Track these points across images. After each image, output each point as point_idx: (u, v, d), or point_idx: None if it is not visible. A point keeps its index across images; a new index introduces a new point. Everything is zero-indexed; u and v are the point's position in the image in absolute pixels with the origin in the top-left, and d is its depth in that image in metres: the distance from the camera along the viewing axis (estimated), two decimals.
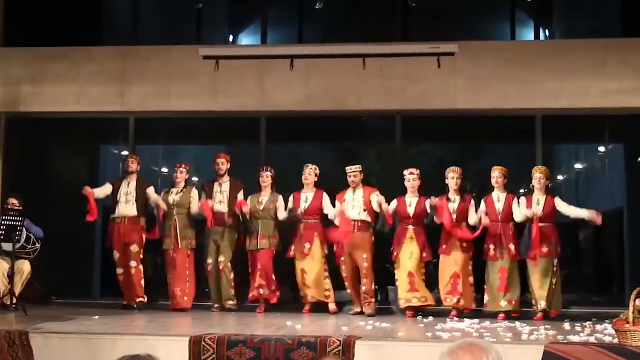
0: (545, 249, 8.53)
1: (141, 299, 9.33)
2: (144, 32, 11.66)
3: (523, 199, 8.78)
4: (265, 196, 9.29)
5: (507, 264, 8.64)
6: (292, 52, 10.33)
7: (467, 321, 8.00)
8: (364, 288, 8.90)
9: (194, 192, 9.44)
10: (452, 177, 8.86)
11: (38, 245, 9.22)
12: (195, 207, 9.38)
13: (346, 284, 9.08)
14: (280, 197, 9.29)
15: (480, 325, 7.61)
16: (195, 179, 9.89)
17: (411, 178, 8.95)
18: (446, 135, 11.51)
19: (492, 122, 11.10)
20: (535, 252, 8.49)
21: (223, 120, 11.26)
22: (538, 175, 8.74)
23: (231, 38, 12.18)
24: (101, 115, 11.06)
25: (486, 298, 8.76)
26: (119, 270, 9.40)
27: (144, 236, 9.44)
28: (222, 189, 9.41)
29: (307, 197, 9.21)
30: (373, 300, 8.95)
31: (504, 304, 8.60)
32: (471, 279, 8.78)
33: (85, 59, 10.98)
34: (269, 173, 9.34)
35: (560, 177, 11.86)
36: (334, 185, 9.41)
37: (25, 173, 11.11)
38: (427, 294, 8.78)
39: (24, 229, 8.84)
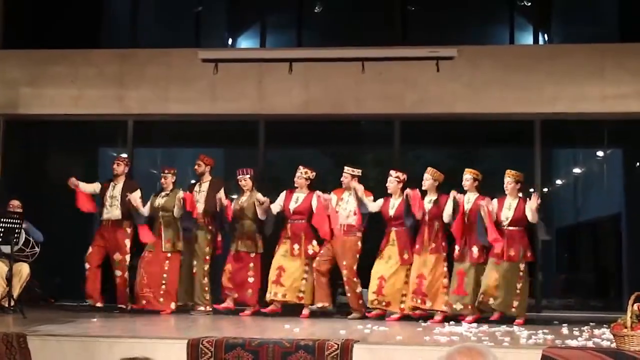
0: (511, 252, 8.52)
1: (122, 306, 9.31)
2: (143, 35, 11.67)
3: (494, 201, 8.76)
4: (244, 197, 9.31)
5: (466, 267, 8.65)
6: (291, 55, 10.35)
7: (465, 325, 8.01)
8: (348, 295, 8.98)
9: (180, 195, 9.40)
10: (425, 177, 8.90)
11: (37, 249, 9.24)
12: (177, 210, 9.33)
13: (315, 280, 9.02)
14: (259, 195, 9.22)
15: (478, 329, 7.62)
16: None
17: (389, 179, 9.00)
18: (445, 140, 11.51)
19: (490, 126, 11.10)
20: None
21: (221, 124, 11.26)
22: (506, 180, 8.75)
23: (230, 42, 12.19)
24: (100, 117, 11.06)
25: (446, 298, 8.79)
26: (86, 265, 9.34)
27: (128, 242, 9.40)
28: (201, 189, 9.44)
29: (298, 197, 9.21)
30: (360, 302, 8.97)
31: (458, 307, 8.60)
32: (445, 281, 8.72)
33: (83, 61, 10.98)
34: (246, 176, 9.31)
35: (558, 182, 11.88)
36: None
37: (24, 175, 11.12)
38: (395, 299, 8.79)
39: (22, 231, 8.85)
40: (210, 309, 9.26)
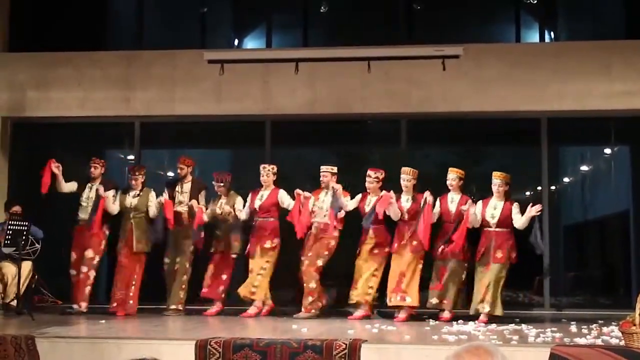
0: (499, 255, 8.53)
1: (83, 304, 9.20)
2: (148, 36, 11.67)
3: (480, 202, 8.76)
4: (222, 200, 9.34)
5: (447, 264, 8.70)
6: (297, 55, 10.34)
7: (473, 324, 8.00)
8: (305, 285, 8.91)
9: (152, 195, 9.41)
10: (405, 178, 8.89)
11: (37, 246, 9.36)
12: (153, 210, 9.36)
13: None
14: (239, 198, 9.34)
15: (486, 328, 7.61)
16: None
17: (368, 180, 8.95)
18: (451, 139, 11.49)
19: (497, 124, 11.08)
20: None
21: (228, 124, 11.26)
22: (496, 182, 8.73)
23: (236, 42, 12.19)
24: (106, 120, 11.07)
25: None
26: (73, 272, 9.26)
27: (103, 243, 9.34)
28: (183, 189, 9.47)
29: (262, 194, 9.22)
30: (311, 299, 8.87)
31: (434, 302, 8.70)
32: (417, 278, 8.78)
33: (89, 63, 10.99)
34: (220, 184, 9.31)
35: (565, 179, 11.84)
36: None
37: (30, 177, 11.10)
38: (364, 293, 8.79)
39: (30, 234, 8.96)
40: (182, 309, 9.29)
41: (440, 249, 8.69)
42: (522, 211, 8.59)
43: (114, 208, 9.36)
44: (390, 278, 8.76)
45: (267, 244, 9.04)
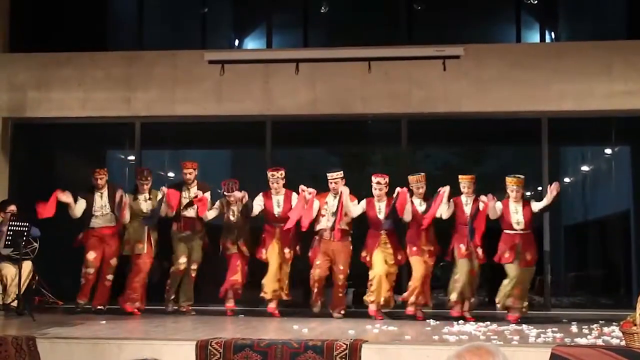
0: (528, 257, 8.59)
1: (101, 307, 9.30)
2: (149, 37, 11.67)
3: (499, 203, 8.71)
4: (234, 207, 9.32)
5: (475, 266, 8.78)
6: (297, 55, 10.35)
7: (474, 324, 8.00)
8: (340, 295, 9.09)
9: (160, 197, 9.41)
10: (418, 186, 8.95)
11: (36, 245, 9.39)
12: (164, 207, 9.33)
13: (315, 286, 9.10)
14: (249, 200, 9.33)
15: (487, 328, 7.61)
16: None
17: (377, 187, 8.87)
18: (451, 139, 11.49)
19: (497, 124, 11.08)
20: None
21: (228, 125, 11.26)
22: (514, 187, 8.69)
23: (236, 42, 12.19)
24: (107, 120, 11.07)
25: (454, 297, 8.82)
26: (90, 270, 9.23)
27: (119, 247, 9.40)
28: (190, 195, 9.49)
29: (278, 200, 9.18)
30: (344, 306, 9.17)
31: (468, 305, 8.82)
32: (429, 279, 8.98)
33: (90, 64, 10.99)
34: (231, 193, 9.20)
35: (566, 180, 11.84)
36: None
37: (31, 178, 11.14)
38: (391, 296, 8.93)
39: (30, 234, 8.96)
40: (191, 309, 9.44)
41: (464, 248, 8.72)
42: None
43: (128, 216, 9.37)
44: (417, 281, 8.80)
45: (293, 252, 9.19)
